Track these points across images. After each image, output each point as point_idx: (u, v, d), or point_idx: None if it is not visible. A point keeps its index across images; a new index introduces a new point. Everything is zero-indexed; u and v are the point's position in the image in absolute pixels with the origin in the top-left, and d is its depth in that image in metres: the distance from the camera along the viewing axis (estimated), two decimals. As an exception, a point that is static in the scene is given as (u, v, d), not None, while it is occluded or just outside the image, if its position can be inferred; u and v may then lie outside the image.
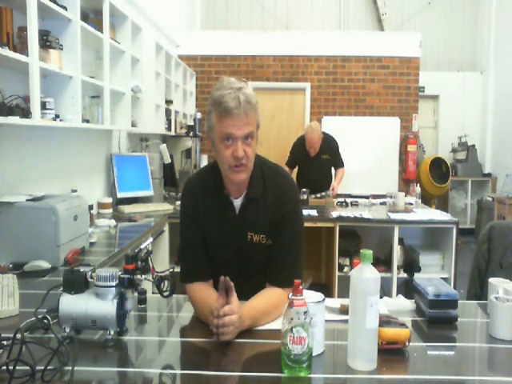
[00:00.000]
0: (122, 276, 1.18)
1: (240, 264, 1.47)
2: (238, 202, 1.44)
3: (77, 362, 1.03)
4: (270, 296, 1.36)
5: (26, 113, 1.94)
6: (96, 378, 1.04)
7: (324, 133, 4.41)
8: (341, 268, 3.61)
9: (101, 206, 3.22)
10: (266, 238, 1.43)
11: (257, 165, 1.44)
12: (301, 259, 1.46)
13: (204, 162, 5.05)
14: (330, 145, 4.39)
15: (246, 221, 1.43)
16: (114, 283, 1.16)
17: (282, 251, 1.43)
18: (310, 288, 1.23)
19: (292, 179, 1.54)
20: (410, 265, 3.67)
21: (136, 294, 1.36)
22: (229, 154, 1.32)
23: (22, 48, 1.94)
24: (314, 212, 3.60)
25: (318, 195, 4.23)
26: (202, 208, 1.45)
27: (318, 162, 4.36)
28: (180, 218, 1.50)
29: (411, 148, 6.25)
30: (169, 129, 4.48)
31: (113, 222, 2.87)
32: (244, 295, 1.35)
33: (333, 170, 4.60)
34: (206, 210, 1.44)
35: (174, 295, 1.45)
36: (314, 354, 1.06)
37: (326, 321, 1.17)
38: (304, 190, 3.90)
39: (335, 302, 1.42)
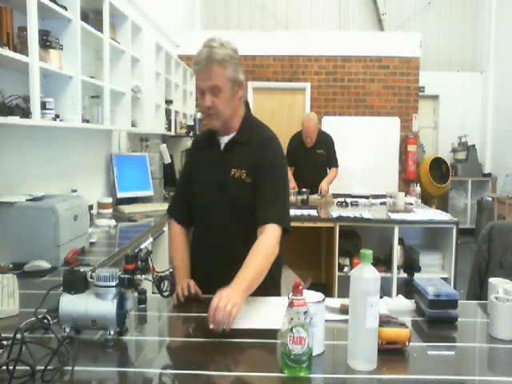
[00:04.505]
0: (122, 276, 1.18)
1: (223, 200, 1.57)
2: (224, 140, 1.61)
3: (77, 361, 1.03)
4: (256, 252, 1.42)
5: (26, 113, 1.94)
6: (96, 378, 1.04)
7: (321, 130, 4.47)
8: (341, 268, 3.61)
9: (101, 206, 3.22)
10: (246, 175, 1.56)
11: (249, 119, 1.63)
12: (285, 200, 1.58)
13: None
14: (326, 140, 4.44)
15: (230, 157, 1.59)
16: (114, 283, 1.16)
17: (263, 191, 1.54)
18: (310, 288, 1.23)
19: (276, 136, 1.66)
20: (410, 265, 3.67)
21: (136, 294, 1.36)
22: (203, 104, 1.53)
23: (22, 48, 1.94)
24: (314, 212, 3.60)
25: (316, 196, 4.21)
26: (195, 152, 1.71)
27: (313, 156, 4.37)
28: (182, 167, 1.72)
29: (411, 148, 6.25)
30: (169, 129, 4.47)
31: (113, 222, 2.86)
32: (231, 238, 1.56)
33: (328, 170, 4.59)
34: (197, 151, 1.70)
35: (173, 295, 1.46)
36: (314, 354, 1.06)
37: (326, 321, 1.17)
38: (304, 189, 3.91)
39: (335, 302, 1.42)
